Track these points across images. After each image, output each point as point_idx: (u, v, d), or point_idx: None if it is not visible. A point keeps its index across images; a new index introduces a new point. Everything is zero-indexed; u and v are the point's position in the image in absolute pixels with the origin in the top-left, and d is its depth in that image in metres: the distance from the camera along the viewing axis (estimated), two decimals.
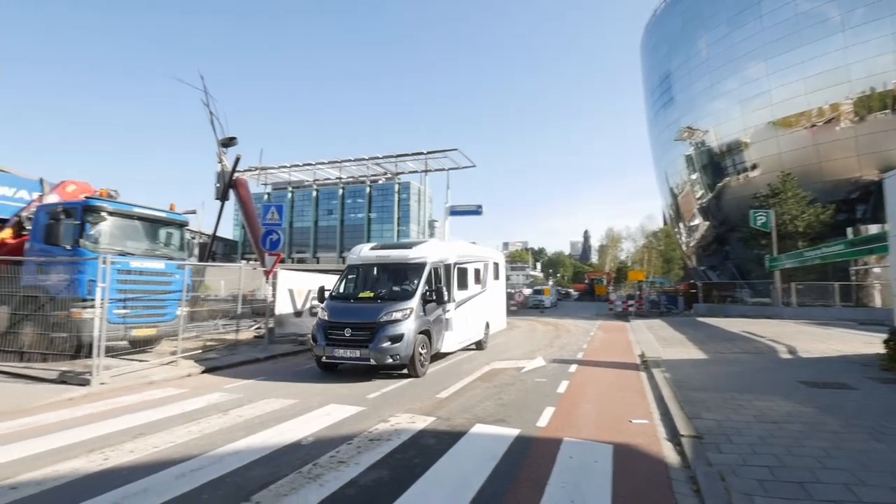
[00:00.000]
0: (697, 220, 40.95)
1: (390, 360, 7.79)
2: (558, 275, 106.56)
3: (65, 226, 8.95)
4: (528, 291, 39.14)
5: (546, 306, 34.42)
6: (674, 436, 5.17)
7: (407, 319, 8.08)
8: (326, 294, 9.33)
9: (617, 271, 68.46)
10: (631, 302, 28.52)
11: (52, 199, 10.55)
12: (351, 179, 74.03)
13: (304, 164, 63.96)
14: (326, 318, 8.46)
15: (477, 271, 11.79)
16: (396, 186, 75.40)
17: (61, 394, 6.67)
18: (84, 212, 9.09)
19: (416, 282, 8.78)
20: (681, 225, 46.22)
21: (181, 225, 11.10)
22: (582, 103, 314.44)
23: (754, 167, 32.16)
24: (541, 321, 23.14)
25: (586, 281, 68.08)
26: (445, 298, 9.11)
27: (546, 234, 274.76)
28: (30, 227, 9.95)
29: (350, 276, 9.79)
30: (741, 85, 32.58)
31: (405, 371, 8.21)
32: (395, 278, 9.42)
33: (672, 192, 44.82)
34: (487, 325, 12.46)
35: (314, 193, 78.62)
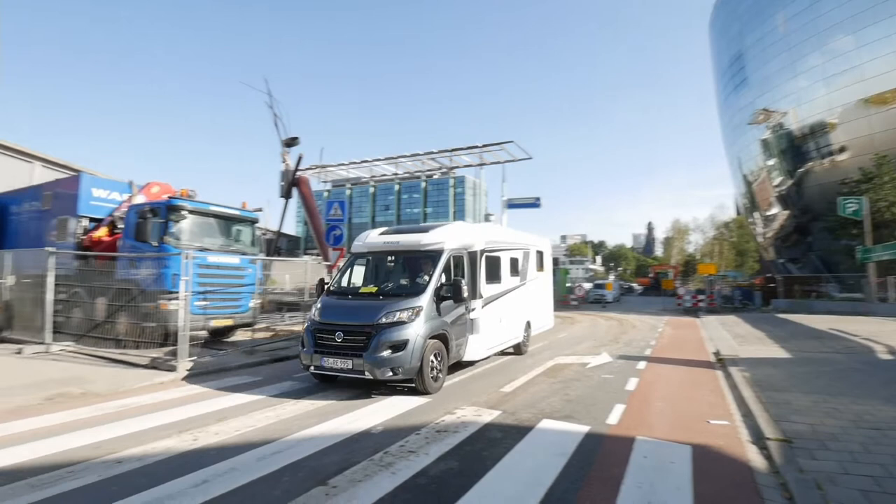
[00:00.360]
0: (775, 210, 38.05)
1: (391, 374, 6.18)
2: (620, 268, 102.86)
3: (151, 224, 9.69)
4: (588, 286, 38.00)
5: (608, 301, 33.31)
6: (758, 439, 4.82)
7: (414, 321, 6.42)
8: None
9: (684, 264, 64.98)
10: (701, 297, 26.96)
11: (139, 199, 11.44)
12: (407, 175, 75.17)
13: (361, 161, 65.51)
14: (316, 317, 6.94)
15: (513, 261, 9.92)
16: (451, 181, 75.66)
17: (152, 378, 7.25)
18: (168, 211, 9.80)
19: (429, 273, 7.18)
20: (756, 215, 43.17)
21: (253, 222, 11.72)
22: (645, 89, 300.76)
23: (842, 150, 29.37)
24: (603, 316, 22.45)
25: (651, 275, 65.15)
26: (464, 294, 7.17)
27: (606, 226, 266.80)
28: (122, 226, 10.87)
29: (352, 268, 8.21)
30: (826, 61, 29.78)
31: (413, 385, 6.60)
32: (405, 269, 8.01)
33: (746, 180, 41.90)
34: (528, 325, 10.59)
35: (371, 190, 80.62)
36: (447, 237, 7.66)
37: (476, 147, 49.76)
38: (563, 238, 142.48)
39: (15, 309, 10.69)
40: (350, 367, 6.28)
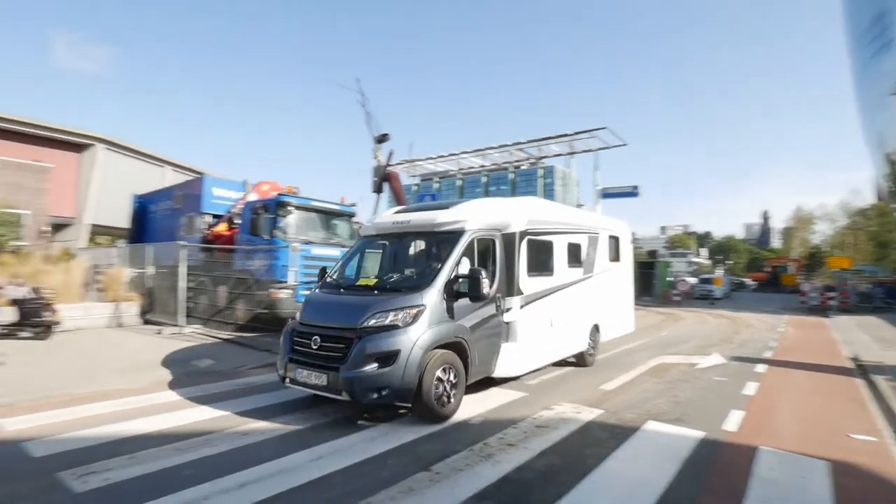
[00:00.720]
0: None
1: (375, 396, 4.62)
2: (729, 262, 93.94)
3: (263, 219, 10.59)
4: (692, 280, 35.10)
5: (716, 297, 30.53)
6: None
7: (411, 325, 4.85)
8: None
9: (808, 258, 57.57)
10: (831, 294, 23.73)
11: (252, 197, 12.53)
12: (494, 167, 74.67)
13: (448, 155, 66.26)
14: (297, 317, 5.61)
15: (573, 247, 7.87)
16: (540, 171, 73.76)
17: (266, 359, 7.92)
18: (277, 207, 10.63)
19: (443, 262, 5.47)
20: None
21: (350, 216, 12.35)
22: (757, 61, 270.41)
23: None
24: (711, 313, 20.66)
25: (768, 269, 58.72)
26: (485, 290, 5.30)
27: (713, 215, 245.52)
28: (238, 222, 11.99)
29: (359, 255, 6.70)
30: None
31: (411, 407, 4.97)
32: (415, 257, 6.57)
33: (889, 160, 36.14)
34: (596, 330, 8.47)
35: (459, 183, 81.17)
36: (470, 215, 5.96)
37: (566, 135, 48.02)
38: (663, 229, 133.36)
39: (156, 295, 12.27)
40: (324, 383, 4.79)
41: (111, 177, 24.62)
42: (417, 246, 6.62)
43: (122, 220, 19.86)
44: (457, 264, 5.47)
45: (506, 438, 4.47)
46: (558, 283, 7.28)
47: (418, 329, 4.87)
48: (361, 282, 5.94)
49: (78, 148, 24.48)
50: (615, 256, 9.67)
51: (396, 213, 6.80)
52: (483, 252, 6.04)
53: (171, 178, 26.14)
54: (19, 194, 17.53)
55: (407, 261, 6.62)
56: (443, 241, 5.90)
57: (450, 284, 5.29)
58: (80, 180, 24.39)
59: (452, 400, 5.11)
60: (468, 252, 5.76)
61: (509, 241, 6.27)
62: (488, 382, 6.33)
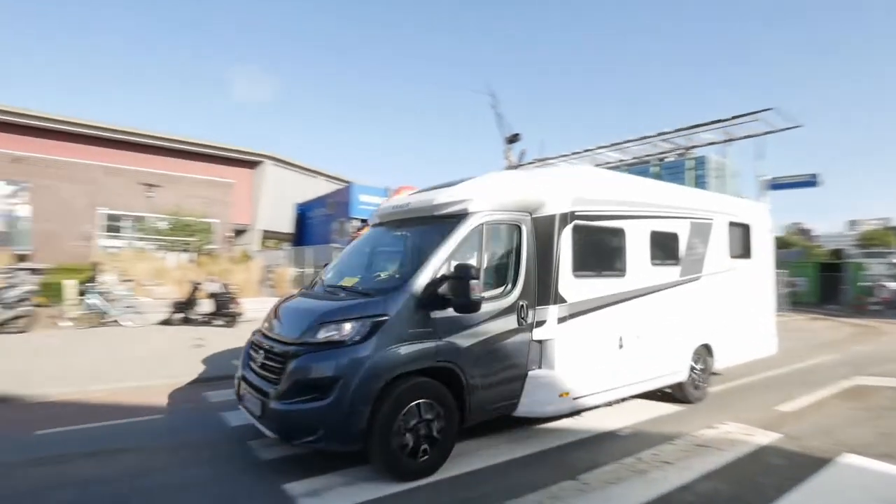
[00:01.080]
0: None
1: (309, 439, 3.43)
2: None
3: None
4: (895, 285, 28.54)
5: None
6: None
7: (363, 343, 3.54)
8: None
9: None
10: None
11: None
12: (635, 161, 69.72)
13: (583, 151, 63.76)
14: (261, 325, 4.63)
15: (663, 237, 5.71)
16: (689, 162, 66.91)
17: None
18: None
19: (433, 255, 3.96)
20: None
21: None
22: None
23: None
24: None
25: None
26: (475, 296, 3.68)
27: None
28: None
29: (363, 247, 5.44)
30: None
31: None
32: (408, 249, 4.98)
33: None
34: (707, 352, 6.16)
35: None
36: (479, 192, 4.37)
37: (721, 121, 42.84)
38: (852, 224, 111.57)
39: None
40: (259, 413, 3.70)
41: (277, 188, 28.63)
42: (412, 235, 5.06)
43: (287, 225, 22.95)
44: (448, 260, 3.94)
45: (661, 455, 4.07)
46: (633, 287, 5.25)
47: (372, 347, 3.51)
48: (346, 280, 4.67)
49: (251, 165, 28.94)
50: (743, 251, 7.12)
51: (411, 195, 5.39)
52: (502, 243, 4.45)
53: (323, 187, 29.46)
54: (210, 206, 21.28)
55: (405, 255, 5.01)
56: (441, 228, 4.29)
57: (433, 287, 3.79)
58: (252, 192, 28.81)
59: (431, 449, 3.65)
60: (474, 243, 4.18)
61: (544, 227, 4.57)
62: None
